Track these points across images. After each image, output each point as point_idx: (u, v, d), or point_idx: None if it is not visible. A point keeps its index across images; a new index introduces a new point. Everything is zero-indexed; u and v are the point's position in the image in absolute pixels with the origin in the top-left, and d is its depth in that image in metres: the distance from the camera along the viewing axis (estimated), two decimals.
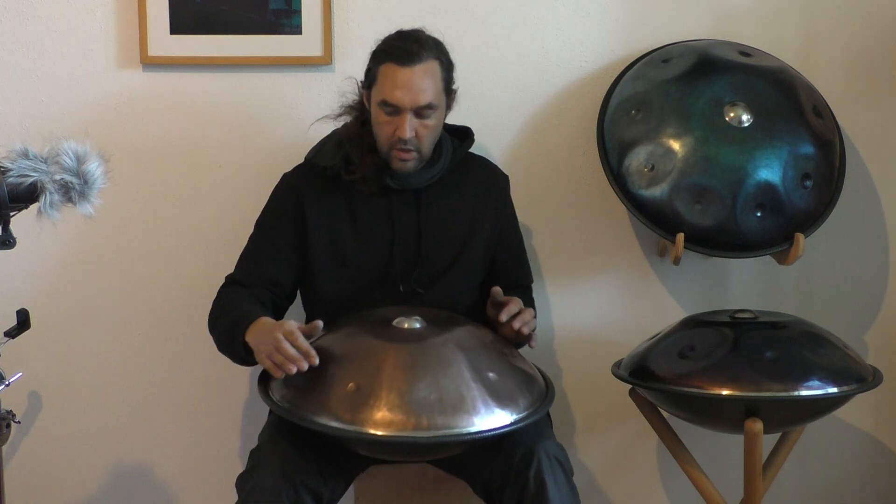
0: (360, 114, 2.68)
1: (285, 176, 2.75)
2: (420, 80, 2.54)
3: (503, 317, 2.53)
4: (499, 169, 2.85)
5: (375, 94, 2.58)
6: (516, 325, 2.53)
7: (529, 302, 2.82)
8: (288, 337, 2.36)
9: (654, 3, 3.02)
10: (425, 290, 2.67)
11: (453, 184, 2.71)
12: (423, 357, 2.36)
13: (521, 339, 2.58)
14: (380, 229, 2.67)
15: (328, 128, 2.76)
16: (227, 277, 2.71)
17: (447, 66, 2.62)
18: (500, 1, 3.00)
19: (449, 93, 2.63)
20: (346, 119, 2.71)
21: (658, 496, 3.17)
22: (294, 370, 2.33)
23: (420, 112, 2.56)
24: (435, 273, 2.68)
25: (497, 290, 2.59)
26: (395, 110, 2.55)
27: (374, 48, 2.63)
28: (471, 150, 2.79)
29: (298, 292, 2.75)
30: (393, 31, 2.64)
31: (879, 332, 3.12)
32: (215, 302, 2.67)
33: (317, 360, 2.34)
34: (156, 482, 3.11)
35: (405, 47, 2.56)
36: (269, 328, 2.42)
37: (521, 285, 2.84)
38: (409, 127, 2.55)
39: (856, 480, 3.17)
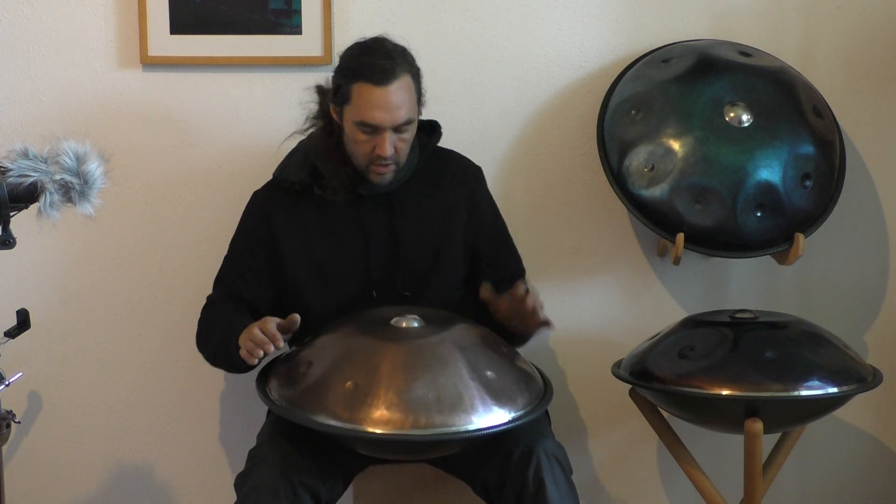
0: (326, 124, 2.65)
1: (255, 195, 2.74)
2: (397, 98, 2.52)
3: (519, 298, 2.49)
4: (470, 161, 2.80)
5: (351, 114, 2.54)
6: (529, 303, 2.49)
7: None
8: (261, 325, 2.44)
9: (654, 3, 3.01)
10: (412, 293, 2.66)
11: (424, 181, 2.69)
12: (421, 356, 2.36)
13: (536, 323, 2.54)
14: (354, 237, 2.66)
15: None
16: (207, 298, 2.73)
17: (417, 76, 2.59)
18: (500, 1, 3.00)
19: (420, 101, 2.61)
20: (311, 130, 2.69)
21: (658, 496, 3.17)
22: (261, 353, 2.42)
23: (398, 128, 2.55)
24: (418, 273, 2.67)
25: (485, 290, 2.57)
26: (373, 130, 2.53)
27: (339, 63, 2.59)
28: (442, 146, 2.75)
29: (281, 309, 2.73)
30: (353, 43, 2.59)
31: (879, 332, 3.12)
32: (200, 322, 2.70)
33: (281, 343, 2.43)
34: (156, 482, 3.11)
35: (378, 65, 2.51)
36: (251, 327, 2.48)
37: (512, 277, 2.80)
38: (390, 144, 2.54)
39: (856, 480, 3.17)
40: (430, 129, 2.73)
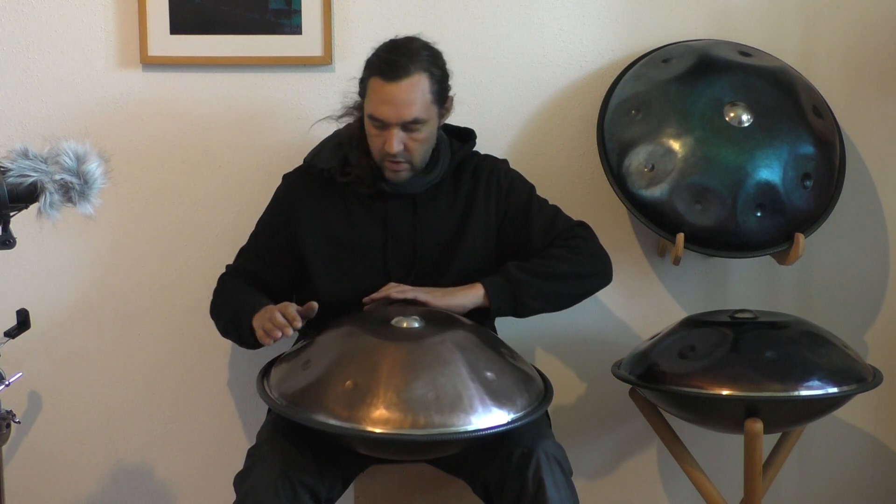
0: (360, 115, 2.68)
1: (285, 177, 2.77)
2: (406, 96, 2.53)
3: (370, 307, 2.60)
4: (491, 157, 2.79)
5: (366, 107, 2.59)
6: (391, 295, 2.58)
7: (575, 241, 2.71)
8: (281, 309, 2.49)
9: (654, 3, 3.02)
10: None
11: (450, 186, 2.71)
12: (420, 356, 2.36)
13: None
14: (374, 232, 2.68)
15: (332, 128, 2.76)
16: (227, 267, 2.77)
17: (439, 78, 2.59)
18: (499, 1, 3.00)
19: (442, 103, 2.61)
20: (349, 120, 2.71)
21: (658, 496, 3.17)
22: (279, 335, 2.46)
23: (407, 126, 2.56)
24: (433, 275, 2.68)
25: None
26: (382, 125, 2.56)
27: (368, 55, 2.62)
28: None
29: (295, 294, 2.76)
30: (388, 39, 2.61)
31: (879, 332, 3.12)
32: (216, 293, 2.74)
33: (299, 324, 2.47)
34: (156, 482, 3.11)
35: (393, 61, 2.54)
36: (270, 309, 2.53)
37: (561, 236, 2.72)
38: (397, 141, 2.56)
39: (856, 480, 3.17)
40: (464, 137, 2.75)
